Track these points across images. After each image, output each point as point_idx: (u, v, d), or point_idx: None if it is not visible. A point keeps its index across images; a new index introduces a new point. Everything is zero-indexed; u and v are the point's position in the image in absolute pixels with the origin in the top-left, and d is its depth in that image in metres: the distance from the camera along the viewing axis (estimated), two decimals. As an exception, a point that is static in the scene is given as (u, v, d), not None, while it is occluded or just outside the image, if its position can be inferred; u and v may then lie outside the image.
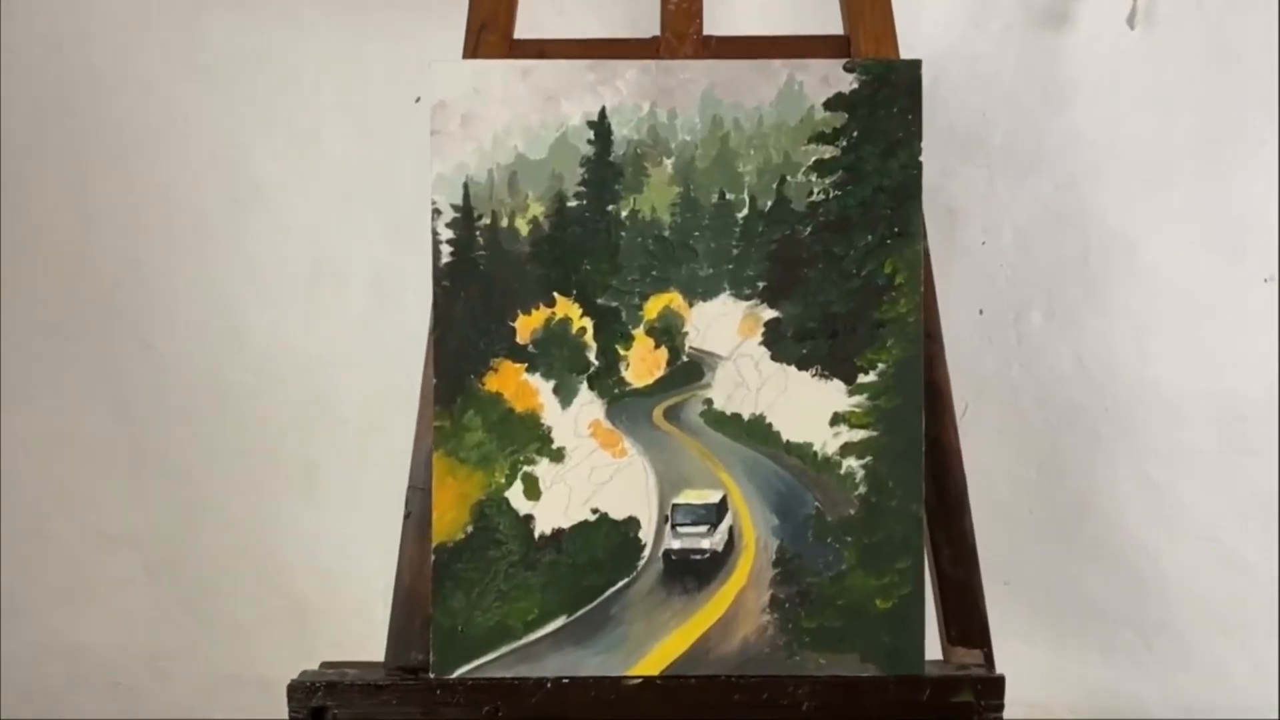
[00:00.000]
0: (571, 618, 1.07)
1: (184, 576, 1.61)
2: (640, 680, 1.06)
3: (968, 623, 1.12)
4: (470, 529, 1.07)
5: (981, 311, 1.50)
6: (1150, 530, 1.49)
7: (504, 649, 1.07)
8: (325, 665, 1.14)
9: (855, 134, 1.07)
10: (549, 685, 1.06)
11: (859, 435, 1.07)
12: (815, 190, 1.08)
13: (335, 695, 1.06)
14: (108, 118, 1.49)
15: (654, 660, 1.06)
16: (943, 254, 1.40)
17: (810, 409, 1.07)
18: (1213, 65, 1.42)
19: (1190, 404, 1.47)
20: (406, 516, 1.12)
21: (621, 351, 1.09)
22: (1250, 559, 1.47)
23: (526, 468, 1.08)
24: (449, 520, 1.07)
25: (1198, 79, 1.43)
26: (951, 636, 1.12)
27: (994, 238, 1.49)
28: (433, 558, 1.07)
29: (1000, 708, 1.05)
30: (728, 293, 1.08)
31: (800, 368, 1.08)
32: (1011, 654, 1.51)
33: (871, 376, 1.07)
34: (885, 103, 1.07)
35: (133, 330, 1.54)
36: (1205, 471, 1.48)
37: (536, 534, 1.07)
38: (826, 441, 1.07)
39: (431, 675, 1.07)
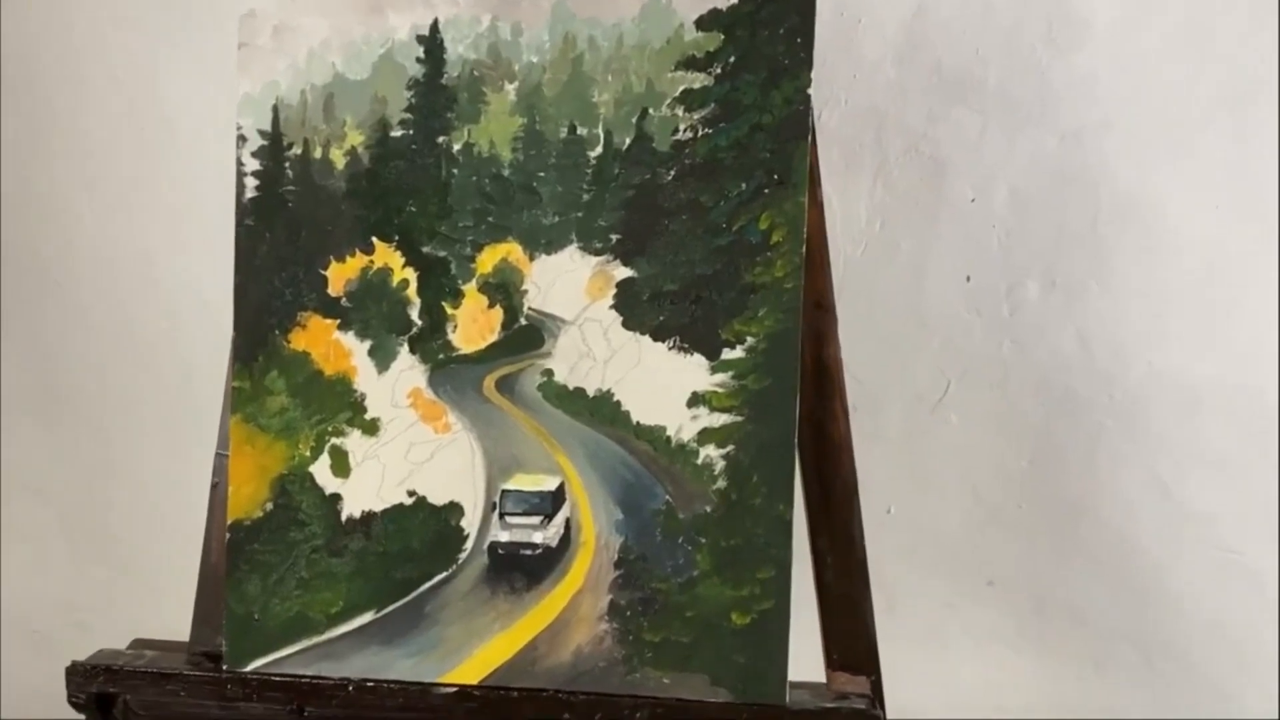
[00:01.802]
0: (380, 613, 0.93)
1: (100, 528, 1.57)
2: (455, 689, 0.92)
3: (852, 645, 0.95)
4: (269, 506, 0.94)
5: (969, 279, 1.32)
6: (1156, 536, 1.34)
7: (304, 643, 0.94)
8: (138, 643, 1.03)
9: (732, 60, 0.89)
10: (351, 688, 0.93)
11: (720, 420, 0.90)
12: (682, 126, 0.90)
13: (119, 682, 0.95)
14: (17, 53, 1.42)
15: (473, 667, 0.92)
16: (926, 211, 1.30)
17: (665, 387, 0.91)
18: (1252, 6, 1.22)
19: (1207, 397, 1.30)
20: (214, 487, 0.99)
21: (449, 310, 0.93)
22: (1267, 574, 1.32)
23: (335, 440, 0.93)
24: (246, 495, 0.94)
25: (1234, 22, 1.23)
26: (833, 660, 0.95)
27: (986, 195, 1.30)
28: (227, 536, 0.94)
29: (877, 750, 0.88)
30: (575, 245, 0.92)
31: (656, 338, 0.91)
32: (994, 660, 1.41)
33: (738, 352, 0.90)
34: (770, 22, 0.88)
35: (43, 272, 1.46)
36: (1221, 474, 1.32)
37: (344, 516, 0.94)
38: (683, 425, 0.90)
39: (224, 668, 0.94)
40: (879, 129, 1.33)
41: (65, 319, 1.49)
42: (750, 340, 0.90)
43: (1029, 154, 1.28)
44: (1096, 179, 1.26)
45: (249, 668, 0.94)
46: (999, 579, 1.38)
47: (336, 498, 0.94)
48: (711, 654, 0.91)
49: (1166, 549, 1.33)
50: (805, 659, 0.95)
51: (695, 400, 0.91)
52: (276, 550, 0.94)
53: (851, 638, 0.95)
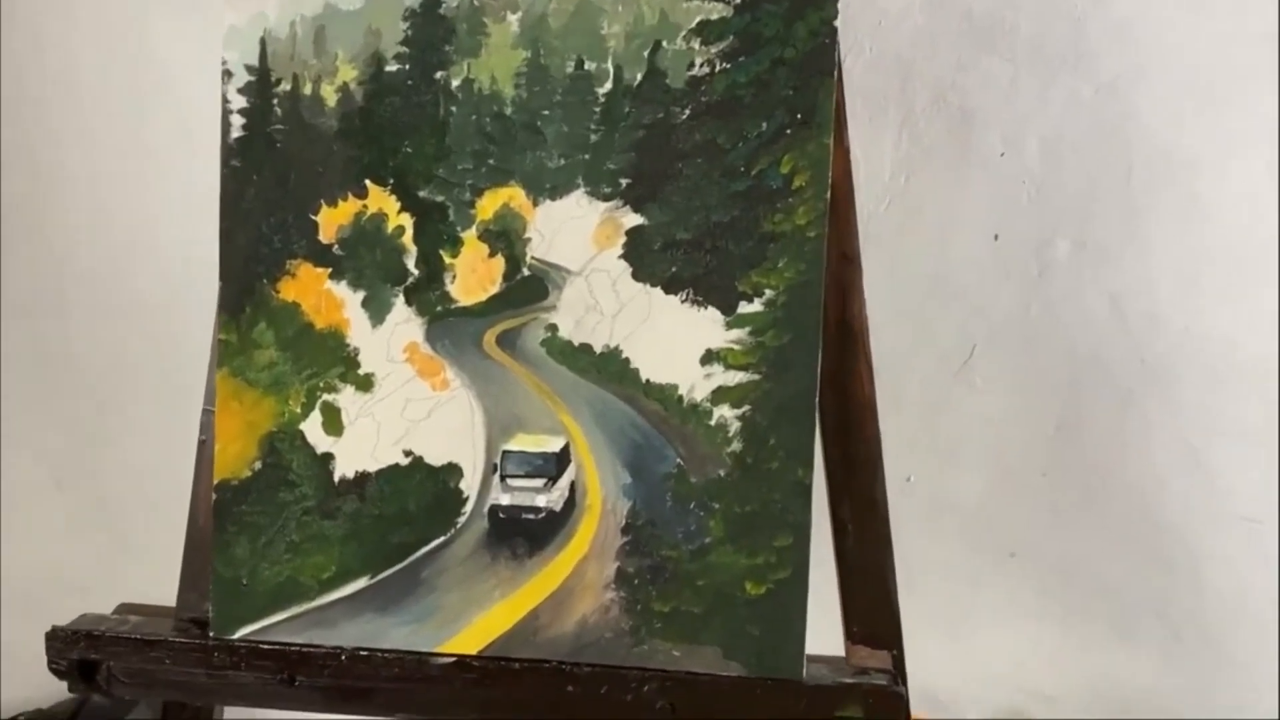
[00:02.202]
0: (375, 579, 0.89)
1: (95, 491, 1.52)
2: (453, 659, 0.87)
3: (874, 617, 0.90)
4: (258, 465, 0.89)
5: (997, 237, 1.27)
6: (1185, 507, 1.29)
7: (294, 609, 0.89)
8: (124, 607, 0.98)
9: (752, -13, 0.82)
10: (344, 657, 0.88)
11: (736, 378, 0.84)
12: (698, 61, 0.83)
13: (101, 648, 0.90)
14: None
15: (471, 636, 0.88)
16: (953, 165, 1.24)
17: (678, 343, 0.85)
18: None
19: (1244, 365, 1.25)
20: (201, 444, 0.94)
21: (447, 259, 0.87)
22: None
23: (327, 396, 0.88)
24: (233, 454, 0.89)
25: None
26: (853, 633, 0.90)
27: (1016, 148, 1.24)
28: (214, 496, 0.89)
29: (897, 729, 0.83)
30: (582, 190, 0.86)
31: (668, 290, 0.85)
32: (1016, 633, 1.36)
33: (756, 305, 0.84)
34: (794, -54, 0.81)
35: (37, 234, 1.40)
36: (1253, 444, 1.26)
37: (337, 477, 0.88)
38: (696, 384, 0.85)
39: (211, 634, 0.89)
40: (905, 79, 1.27)
41: (61, 278, 1.43)
42: (769, 293, 0.84)
43: (1062, 105, 1.22)
44: (1132, 132, 1.21)
45: (237, 635, 0.89)
46: (1022, 550, 1.33)
47: (329, 457, 0.89)
48: (724, 625, 0.86)
49: (1196, 520, 1.28)
50: (823, 632, 0.90)
51: (709, 357, 0.85)
52: (265, 512, 0.89)
53: (873, 609, 0.90)
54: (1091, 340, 1.26)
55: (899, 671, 0.89)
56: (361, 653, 0.88)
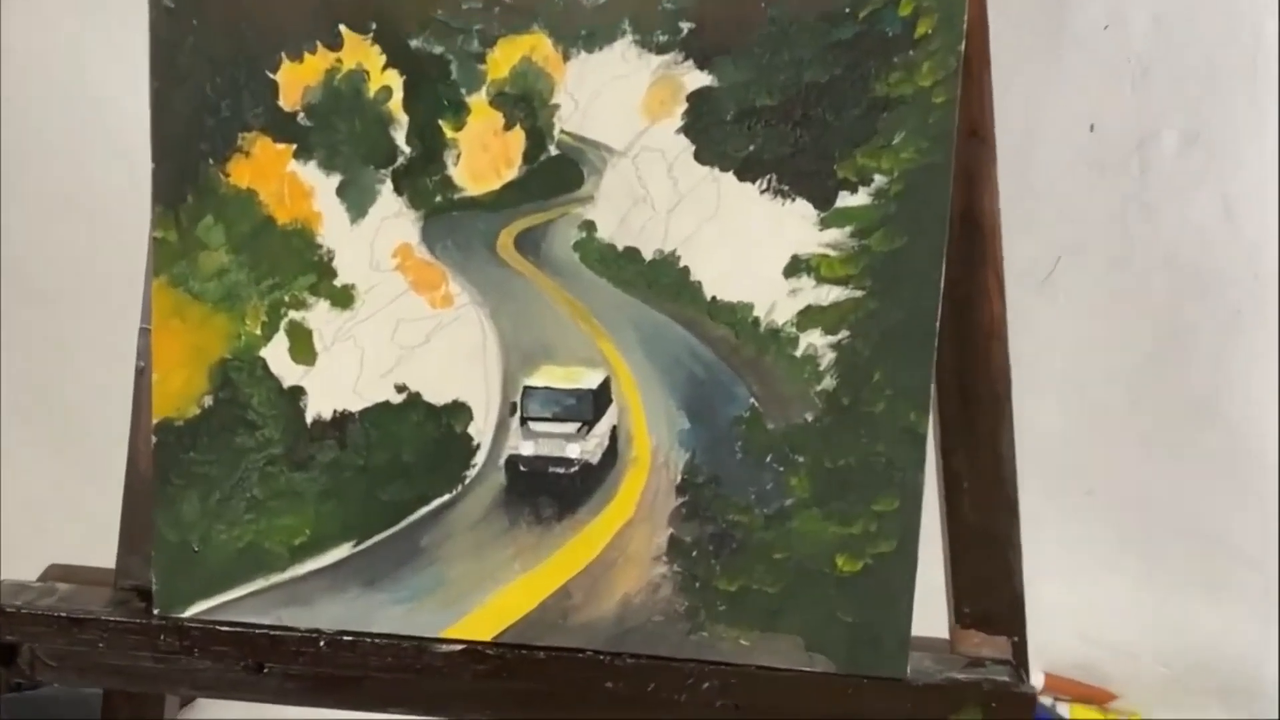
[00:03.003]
0: (360, 547, 0.70)
1: (54, 417, 1.39)
2: (461, 646, 0.70)
3: (993, 596, 0.72)
4: (208, 402, 0.70)
5: (1093, 128, 1.11)
6: None
7: (259, 583, 0.71)
8: (53, 571, 0.80)
9: None
10: (323, 642, 0.70)
11: (831, 295, 0.65)
12: None
13: (19, 628, 0.72)
14: None
15: (484, 619, 0.70)
16: (1047, 40, 1.09)
17: (755, 247, 0.65)
18: None
19: None
20: (139, 372, 0.74)
21: (449, 133, 0.66)
22: None
23: (294, 314, 0.68)
24: (176, 386, 0.70)
25: None
26: (964, 615, 0.72)
27: (1121, 22, 1.08)
28: (153, 440, 0.70)
29: (1026, 737, 0.67)
30: (629, 39, 0.64)
31: (742, 177, 0.65)
32: (1088, 580, 1.23)
33: (861, 197, 0.64)
34: None
35: None
36: None
37: (309, 417, 0.69)
38: (777, 302, 0.65)
39: (156, 611, 0.71)
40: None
41: (12, 180, 1.29)
42: (879, 180, 0.63)
43: (1179, -28, 1.07)
44: (1259, 10, 1.05)
45: (187, 613, 0.71)
46: (1101, 488, 1.21)
47: (298, 392, 0.69)
48: (807, 610, 0.68)
49: (1305, 462, 1.14)
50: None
51: (796, 267, 0.65)
52: (219, 460, 0.70)
53: (990, 586, 0.72)
54: (1197, 251, 1.13)
55: (1020, 663, 0.71)
56: (345, 637, 0.70)
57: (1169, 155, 1.11)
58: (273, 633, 0.71)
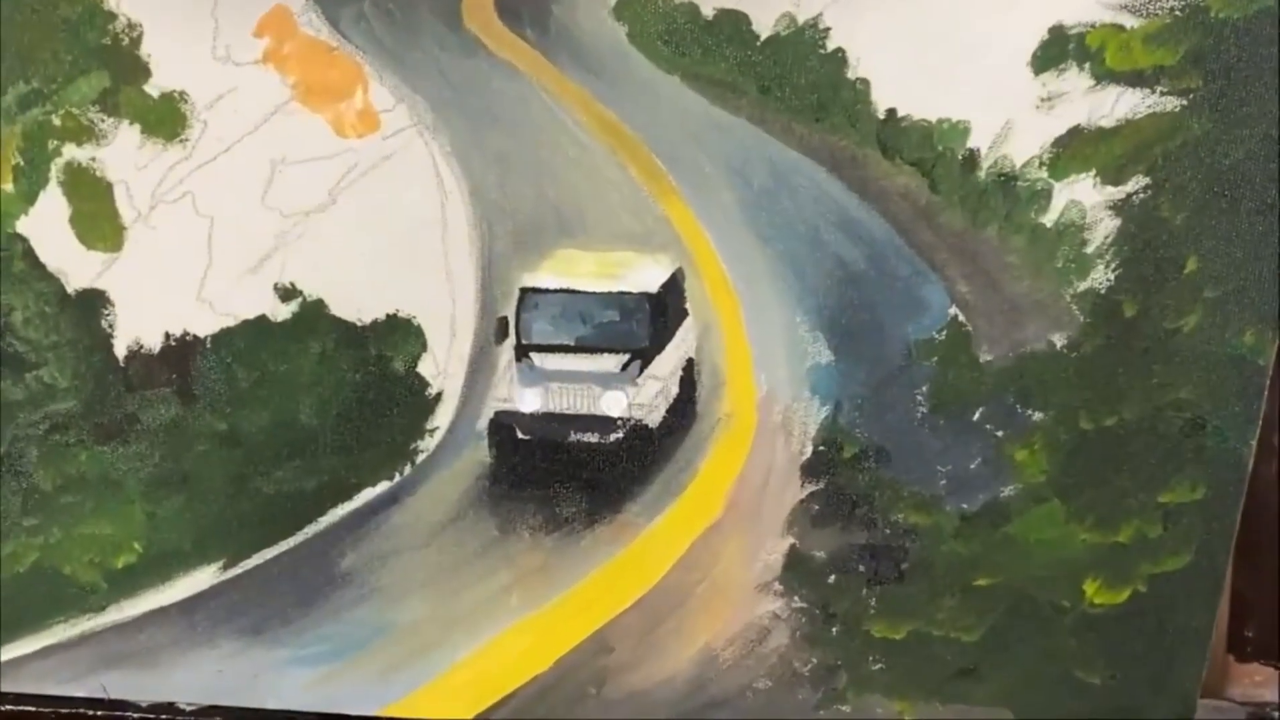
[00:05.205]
0: (231, 571, 0.39)
1: None
2: (418, 734, 0.40)
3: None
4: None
5: None
6: None
7: (60, 630, 0.41)
8: None
9: None
10: (178, 731, 0.40)
11: (1123, 106, 0.32)
12: None
13: None
14: None
15: (459, 689, 0.40)
16: None
17: (972, 11, 0.32)
18: None
19: None
20: None
21: None
22: None
23: (74, 150, 0.34)
24: None
25: None
26: (1245, 643, 0.43)
27: None
28: None
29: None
30: None
31: None
32: None
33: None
34: None
35: None
36: None
37: (120, 347, 0.36)
38: (1015, 121, 0.34)
39: (-115, 679, 0.40)
40: None
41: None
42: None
43: None
44: None
45: (-62, 683, 0.40)
46: None
47: (95, 301, 0.37)
48: (1025, 667, 0.38)
49: None
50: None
51: (1057, 50, 0.32)
52: (-40, 426, 0.38)
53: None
54: None
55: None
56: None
57: None
58: (92, 713, 0.41)
